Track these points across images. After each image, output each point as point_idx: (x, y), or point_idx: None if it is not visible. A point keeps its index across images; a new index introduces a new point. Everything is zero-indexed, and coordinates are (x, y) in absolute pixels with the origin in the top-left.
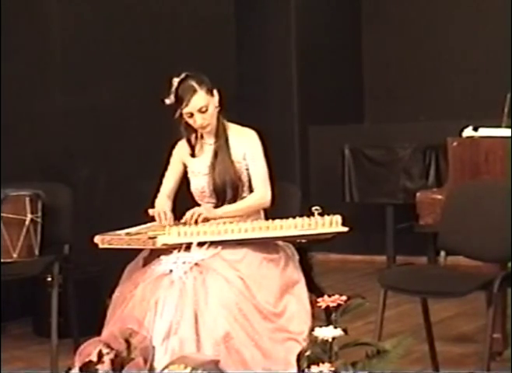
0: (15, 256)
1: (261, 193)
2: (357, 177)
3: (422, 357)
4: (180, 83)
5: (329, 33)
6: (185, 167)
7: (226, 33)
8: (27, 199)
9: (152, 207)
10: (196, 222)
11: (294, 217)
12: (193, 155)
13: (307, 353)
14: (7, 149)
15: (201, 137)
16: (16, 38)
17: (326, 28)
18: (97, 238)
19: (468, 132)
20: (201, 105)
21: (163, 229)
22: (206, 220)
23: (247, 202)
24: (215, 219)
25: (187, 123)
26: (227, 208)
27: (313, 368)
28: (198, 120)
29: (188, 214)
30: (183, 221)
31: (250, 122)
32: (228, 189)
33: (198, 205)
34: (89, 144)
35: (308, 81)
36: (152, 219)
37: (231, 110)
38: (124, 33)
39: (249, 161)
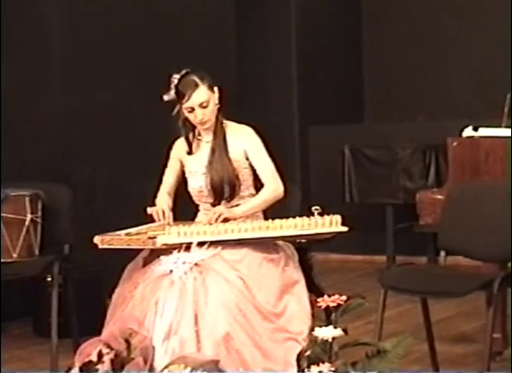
0: (15, 256)
1: (273, 185)
2: (357, 177)
3: (422, 357)
4: (181, 79)
5: (329, 33)
6: (183, 165)
7: (226, 32)
8: (27, 199)
9: (154, 206)
10: (216, 220)
11: (294, 217)
12: (190, 152)
13: (307, 353)
14: (7, 149)
15: (199, 134)
16: (16, 38)
17: (326, 28)
18: (97, 239)
19: (468, 132)
20: (203, 100)
21: (162, 229)
22: (226, 220)
23: (262, 197)
24: (235, 219)
25: (185, 119)
26: (245, 207)
27: (313, 368)
28: (198, 116)
29: (209, 213)
30: (205, 221)
31: (250, 122)
32: (225, 187)
33: (197, 205)
34: (89, 144)
35: (308, 81)
36: (151, 218)
37: (231, 110)
38: (124, 33)
39: (252, 157)
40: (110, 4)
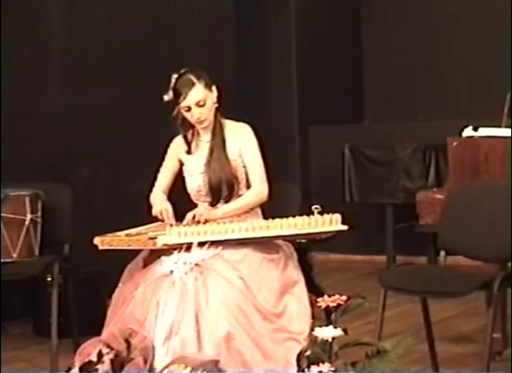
0: (15, 256)
1: (258, 188)
2: (357, 177)
3: (422, 357)
4: (178, 78)
5: (329, 32)
6: (181, 163)
7: (226, 32)
8: (27, 199)
9: (149, 204)
10: (198, 223)
11: (294, 217)
12: (189, 151)
13: (307, 353)
14: (7, 149)
15: (198, 133)
16: (16, 38)
17: (326, 27)
18: (97, 240)
19: (468, 132)
20: (199, 98)
21: (163, 229)
22: (206, 221)
23: (245, 199)
24: (215, 220)
25: (184, 119)
26: (226, 208)
27: (313, 368)
28: (195, 114)
29: (189, 215)
30: (184, 223)
31: (250, 122)
32: (223, 187)
33: (195, 205)
34: (89, 144)
35: (308, 81)
36: (155, 219)
37: (231, 109)
38: (124, 33)
39: (245, 156)
40: (109, 4)
